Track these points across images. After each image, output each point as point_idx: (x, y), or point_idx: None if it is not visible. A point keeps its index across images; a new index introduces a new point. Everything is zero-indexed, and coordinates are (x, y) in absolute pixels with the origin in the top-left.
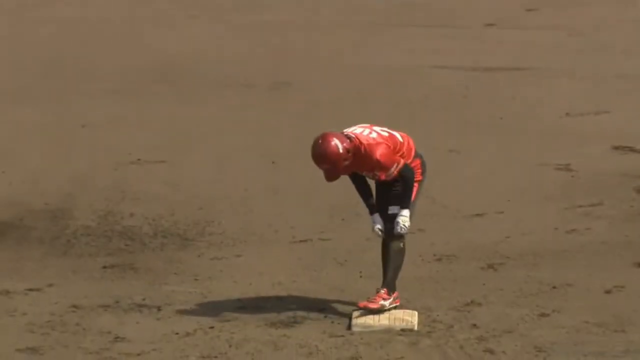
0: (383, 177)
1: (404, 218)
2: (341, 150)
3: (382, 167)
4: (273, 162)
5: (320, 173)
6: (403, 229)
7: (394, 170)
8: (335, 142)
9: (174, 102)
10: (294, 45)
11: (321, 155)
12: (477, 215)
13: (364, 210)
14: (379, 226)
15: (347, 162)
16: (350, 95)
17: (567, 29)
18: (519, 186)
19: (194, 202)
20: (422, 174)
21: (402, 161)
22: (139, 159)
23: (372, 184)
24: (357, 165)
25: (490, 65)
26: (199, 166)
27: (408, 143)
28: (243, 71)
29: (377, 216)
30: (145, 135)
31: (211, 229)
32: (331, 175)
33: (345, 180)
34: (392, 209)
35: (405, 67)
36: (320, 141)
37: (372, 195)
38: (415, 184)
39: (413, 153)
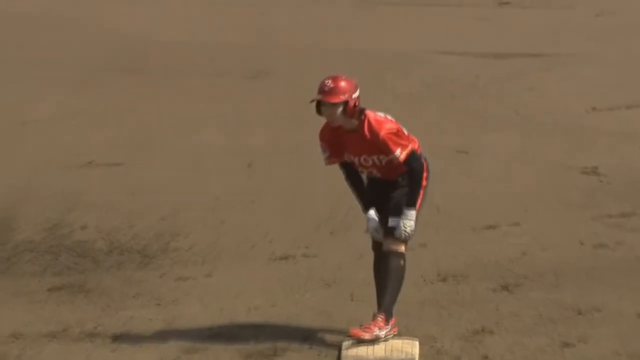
0: (389, 159)
1: (409, 221)
2: (354, 86)
3: (386, 146)
4: (249, 165)
5: (304, 178)
6: (404, 234)
7: (400, 153)
8: (350, 79)
9: (134, 93)
10: (273, 27)
11: (332, 82)
12: (489, 227)
13: (356, 221)
14: (373, 223)
15: (355, 108)
16: None
17: (594, 8)
18: (538, 193)
19: (156, 212)
20: (427, 178)
21: (409, 146)
22: (91, 161)
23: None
24: (358, 144)
25: (505, 50)
26: (163, 169)
27: (413, 139)
28: (215, 58)
29: (372, 213)
30: (99, 133)
31: (176, 243)
32: (334, 116)
33: (333, 188)
34: (393, 221)
35: (404, 53)
36: (330, 74)
37: (365, 189)
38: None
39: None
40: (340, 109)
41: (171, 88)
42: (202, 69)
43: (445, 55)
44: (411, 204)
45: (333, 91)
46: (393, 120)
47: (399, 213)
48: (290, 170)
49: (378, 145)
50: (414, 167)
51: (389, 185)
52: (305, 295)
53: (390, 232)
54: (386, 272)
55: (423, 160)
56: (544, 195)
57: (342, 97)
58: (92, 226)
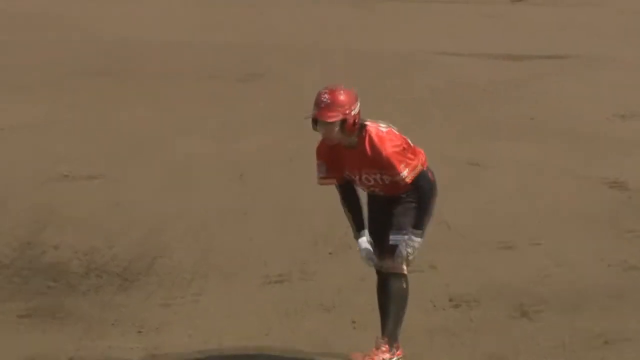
0: (394, 180)
1: (412, 248)
2: (354, 99)
3: (392, 166)
4: (241, 176)
5: (302, 190)
6: (405, 255)
7: (407, 174)
8: (350, 92)
9: (115, 99)
10: (267, 26)
11: (329, 96)
12: (505, 246)
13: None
14: (365, 252)
15: (354, 125)
16: None
17: (615, 6)
18: (558, 209)
19: (137, 230)
20: (434, 195)
21: (417, 165)
22: (67, 174)
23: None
24: (358, 161)
25: (519, 52)
26: (145, 182)
27: (419, 152)
28: (204, 59)
29: (364, 240)
30: (76, 143)
31: (160, 264)
32: (331, 134)
33: (332, 202)
34: (395, 238)
35: (407, 54)
36: (328, 85)
37: (362, 213)
38: None
39: (425, 166)
40: (338, 126)
41: (154, 92)
42: (188, 70)
43: (451, 57)
44: (418, 228)
45: (330, 107)
46: (397, 132)
47: (400, 230)
48: (286, 181)
49: (381, 164)
50: (422, 187)
51: (391, 201)
52: (303, 321)
53: (390, 251)
54: (387, 295)
55: (430, 175)
56: (565, 211)
57: (340, 114)
58: (67, 245)
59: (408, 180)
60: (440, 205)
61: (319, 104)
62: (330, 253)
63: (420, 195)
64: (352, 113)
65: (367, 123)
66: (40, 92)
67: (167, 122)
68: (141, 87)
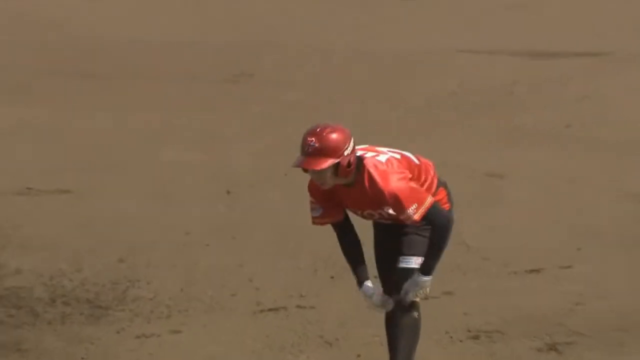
0: (400, 218)
1: (421, 289)
2: (346, 137)
3: (397, 203)
4: (228, 192)
5: (298, 208)
6: (412, 299)
7: (414, 212)
8: (340, 129)
9: (86, 102)
10: (258, 21)
11: (317, 140)
12: (532, 270)
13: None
14: (378, 298)
15: (349, 168)
16: (338, 92)
17: None
18: (594, 227)
19: (111, 252)
20: (449, 211)
21: (428, 199)
22: (29, 188)
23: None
24: (358, 198)
25: (548, 49)
26: (120, 197)
27: (426, 167)
28: (188, 58)
29: (368, 286)
30: (40, 153)
31: (136, 291)
32: (324, 180)
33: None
34: (406, 261)
35: (423, 52)
36: (315, 126)
37: (363, 257)
38: None
39: (436, 181)
40: (331, 171)
41: (131, 95)
42: (170, 71)
43: (471, 55)
44: (427, 271)
45: (319, 152)
46: (398, 157)
47: (412, 256)
48: (281, 198)
49: (384, 202)
50: (434, 223)
51: (400, 225)
52: (301, 357)
53: (404, 276)
54: (396, 326)
55: (443, 189)
56: (602, 230)
57: (332, 160)
58: (30, 269)
59: (416, 217)
60: (458, 224)
61: (306, 150)
62: (332, 277)
63: (432, 231)
64: (345, 154)
65: (364, 155)
66: (9, 94)
67: (145, 129)
68: (115, 90)
